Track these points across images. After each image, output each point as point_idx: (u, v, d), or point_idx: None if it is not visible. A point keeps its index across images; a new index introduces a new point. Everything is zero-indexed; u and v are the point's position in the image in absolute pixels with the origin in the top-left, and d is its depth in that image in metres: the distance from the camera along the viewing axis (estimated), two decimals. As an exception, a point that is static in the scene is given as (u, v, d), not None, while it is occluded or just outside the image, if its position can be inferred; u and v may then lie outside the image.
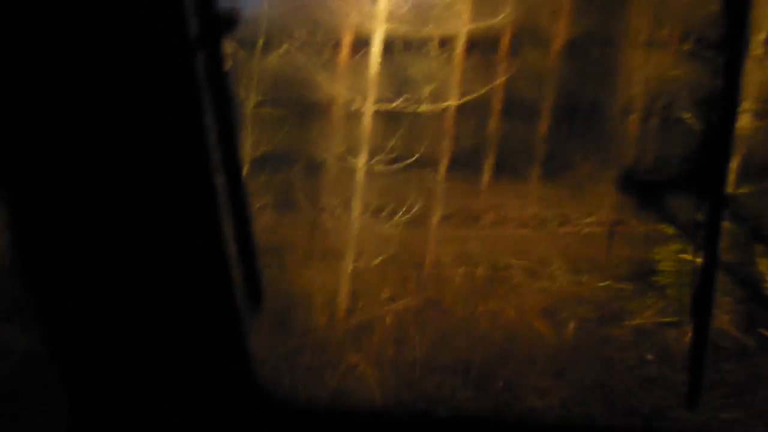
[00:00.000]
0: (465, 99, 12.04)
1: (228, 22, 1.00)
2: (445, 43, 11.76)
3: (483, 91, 12.09)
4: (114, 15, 0.97)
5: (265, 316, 9.98)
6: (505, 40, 14.08)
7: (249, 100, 11.99)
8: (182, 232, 1.15)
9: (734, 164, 11.32)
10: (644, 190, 0.97)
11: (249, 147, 11.83)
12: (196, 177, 1.13)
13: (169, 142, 1.08)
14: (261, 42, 11.87)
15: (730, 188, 11.01)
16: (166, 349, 1.18)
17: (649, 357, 10.80)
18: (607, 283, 12.83)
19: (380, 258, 11.02)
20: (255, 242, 1.13)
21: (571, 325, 11.64)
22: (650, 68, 14.58)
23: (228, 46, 12.32)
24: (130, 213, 1.07)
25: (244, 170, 11.84)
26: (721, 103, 0.89)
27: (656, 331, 11.49)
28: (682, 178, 0.88)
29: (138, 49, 1.00)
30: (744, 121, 11.25)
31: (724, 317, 10.53)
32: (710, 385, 9.73)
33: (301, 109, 12.18)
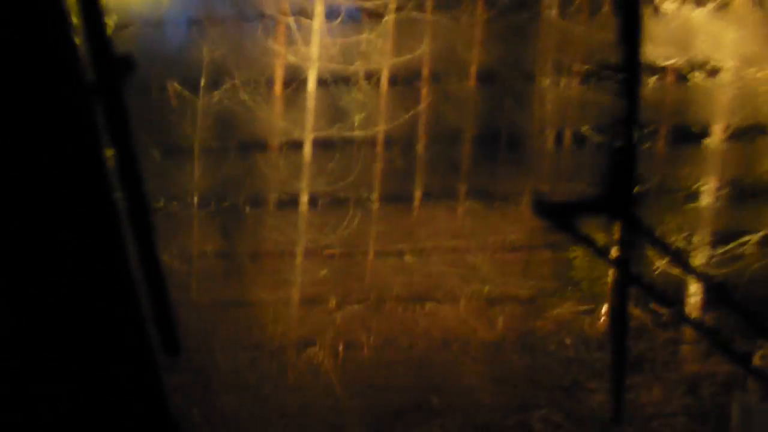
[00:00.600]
0: (392, 125, 13.39)
1: (124, 68, 0.98)
2: (372, 76, 13.09)
3: (407, 116, 13.46)
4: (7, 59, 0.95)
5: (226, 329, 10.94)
6: (426, 71, 15.55)
7: (194, 135, 12.92)
8: (87, 283, 1.07)
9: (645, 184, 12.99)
10: (556, 213, 0.96)
11: (196, 180, 12.79)
12: (98, 222, 1.06)
13: (69, 192, 1.03)
14: (203, 82, 12.87)
15: (638, 207, 12.56)
16: (73, 411, 1.06)
17: (568, 341, 12.25)
18: (531, 282, 14.25)
19: (325, 271, 12.14)
20: (167, 284, 1.07)
21: (500, 320, 13.03)
22: (561, 92, 16.20)
23: (172, 87, 13.36)
24: (31, 265, 1.01)
25: (194, 200, 12.81)
26: (623, 125, 0.91)
27: (573, 319, 12.98)
28: (592, 200, 0.92)
29: (32, 95, 0.97)
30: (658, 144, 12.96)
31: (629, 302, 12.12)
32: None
33: (244, 141, 13.24)
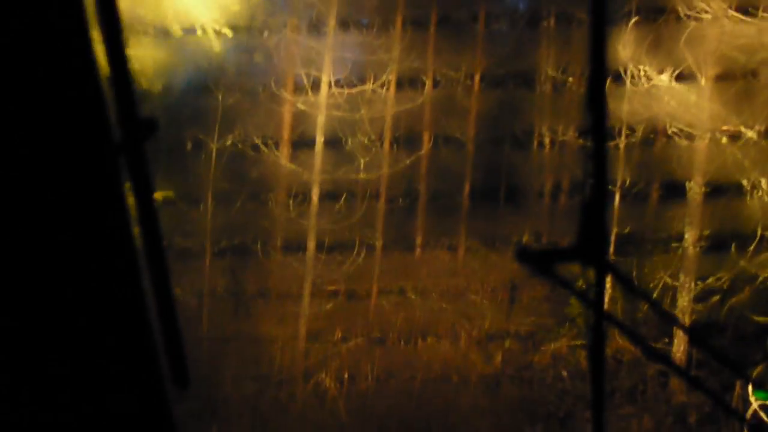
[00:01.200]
0: (395, 168, 14.14)
1: (147, 129, 1.04)
2: (376, 122, 13.90)
3: (409, 161, 14.23)
4: (40, 124, 1.02)
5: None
6: (428, 116, 16.36)
7: (208, 180, 13.69)
8: (104, 315, 1.12)
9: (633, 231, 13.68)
10: (537, 260, 0.98)
11: (209, 224, 13.51)
12: (118, 260, 1.12)
13: (96, 247, 1.10)
14: (217, 129, 13.70)
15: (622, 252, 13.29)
16: None
17: (564, 374, 12.75)
18: (529, 319, 14.77)
19: (330, 306, 12.72)
20: (178, 318, 1.11)
21: (498, 354, 13.54)
22: (558, 141, 16.98)
23: (189, 135, 14.18)
24: (55, 296, 1.07)
25: (207, 240, 13.50)
26: (594, 182, 0.94)
27: (569, 353, 13.49)
28: (569, 247, 0.93)
29: (64, 155, 1.05)
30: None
31: (621, 338, 12.68)
32: (611, 390, 11.78)
33: (257, 184, 14.00)
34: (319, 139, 12.41)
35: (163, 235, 1.15)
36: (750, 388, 8.84)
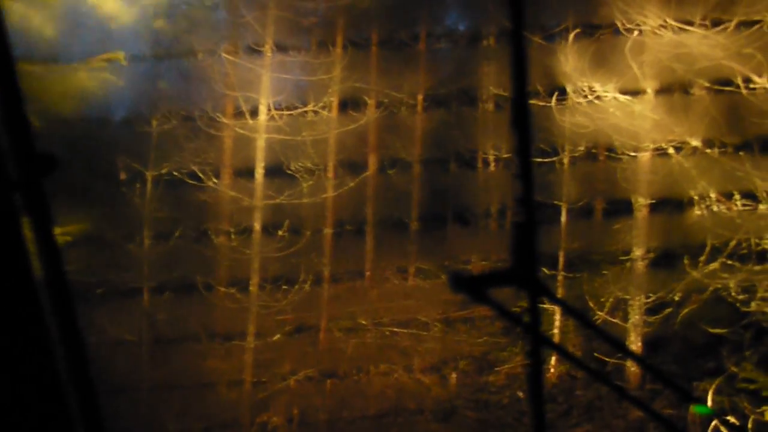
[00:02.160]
0: (340, 191, 13.81)
1: (45, 165, 1.00)
2: (318, 144, 13.57)
3: (354, 183, 13.92)
4: None
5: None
6: (372, 137, 16.14)
7: (144, 210, 13.08)
8: (5, 367, 1.06)
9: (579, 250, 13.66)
10: (472, 285, 0.98)
11: (147, 257, 12.87)
12: (19, 306, 1.08)
13: None
14: (152, 157, 13.13)
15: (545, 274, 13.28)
16: None
17: (520, 394, 12.53)
18: (482, 339, 14.58)
19: (278, 336, 12.23)
20: (91, 373, 1.04)
21: (453, 377, 13.26)
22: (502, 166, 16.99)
23: (123, 164, 13.56)
24: None
25: (144, 271, 12.85)
26: (522, 207, 0.96)
27: (524, 372, 13.30)
28: (502, 272, 0.93)
29: None
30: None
31: (577, 353, 12.56)
32: (567, 408, 11.60)
33: (196, 213, 13.45)
34: (260, 164, 11.98)
35: (68, 277, 1.06)
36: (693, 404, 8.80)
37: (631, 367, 11.37)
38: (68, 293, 1.09)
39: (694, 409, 8.60)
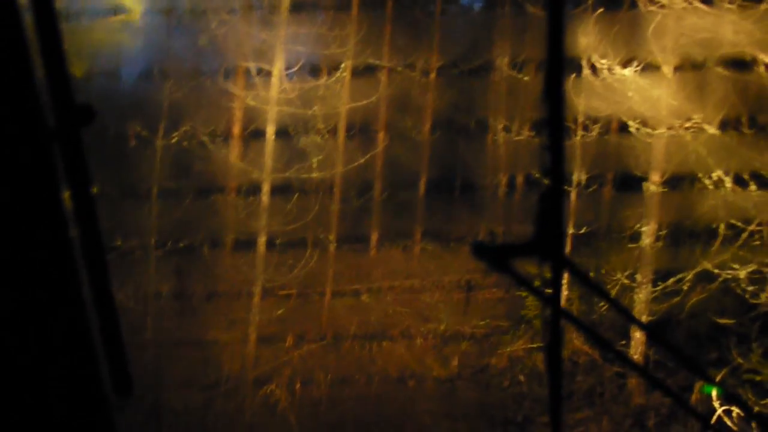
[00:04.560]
0: (349, 167, 13.73)
1: (84, 116, 1.00)
2: (329, 120, 13.47)
3: (364, 160, 13.83)
4: None
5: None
6: (382, 116, 16.03)
7: (153, 176, 13.04)
8: (40, 321, 1.08)
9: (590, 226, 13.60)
10: (494, 256, 0.96)
11: (155, 220, 12.87)
12: (53, 260, 1.09)
13: (25, 230, 1.06)
14: (163, 123, 13.06)
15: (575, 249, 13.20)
16: None
17: (521, 377, 12.54)
18: (485, 321, 14.57)
19: (282, 310, 12.24)
20: (120, 324, 1.07)
21: (455, 358, 13.28)
22: (512, 138, 16.90)
23: (132, 128, 13.51)
24: None
25: (152, 241, 12.84)
26: (550, 177, 0.95)
27: (526, 356, 13.29)
28: (526, 242, 0.93)
29: None
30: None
31: (578, 340, 12.54)
32: (568, 393, 11.60)
33: (203, 182, 13.40)
34: (270, 136, 11.89)
35: (103, 233, 1.06)
36: (704, 386, 8.76)
37: (634, 355, 11.35)
38: (101, 247, 1.08)
39: (705, 389, 8.58)
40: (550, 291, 1.02)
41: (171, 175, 13.15)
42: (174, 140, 12.89)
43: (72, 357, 1.13)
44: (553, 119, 0.92)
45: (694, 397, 9.93)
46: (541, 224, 0.95)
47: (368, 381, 11.68)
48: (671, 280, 10.46)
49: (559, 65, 0.92)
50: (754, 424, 7.78)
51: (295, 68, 12.49)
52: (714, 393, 7.96)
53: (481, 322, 14.43)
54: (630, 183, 12.14)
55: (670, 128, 9.61)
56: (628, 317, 13.00)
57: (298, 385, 11.19)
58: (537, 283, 1.05)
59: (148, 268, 12.66)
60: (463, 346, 13.64)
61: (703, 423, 9.05)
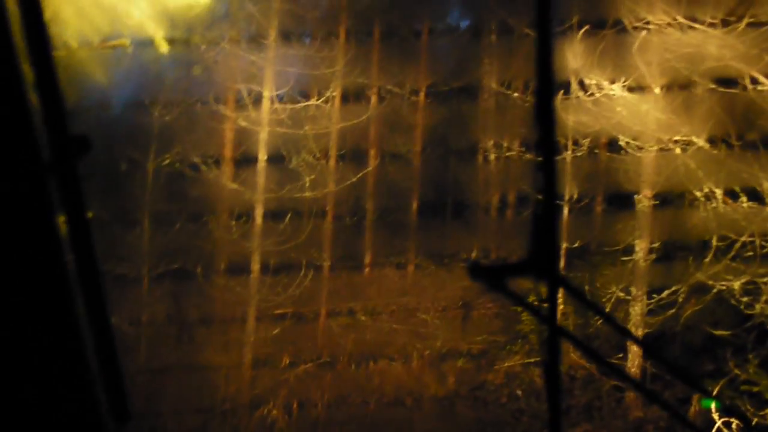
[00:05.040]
0: (341, 186, 13.75)
1: (79, 147, 1.01)
2: (320, 139, 13.50)
3: (356, 178, 13.85)
4: None
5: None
6: (373, 135, 16.08)
7: (145, 201, 13.01)
8: (37, 348, 1.07)
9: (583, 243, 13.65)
10: (490, 276, 0.99)
11: (148, 248, 12.81)
12: (49, 288, 1.08)
13: (25, 273, 1.06)
14: (154, 146, 13.06)
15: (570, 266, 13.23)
16: None
17: (519, 393, 12.49)
18: (481, 337, 14.53)
19: (277, 331, 12.19)
20: (117, 349, 1.07)
21: (452, 375, 13.22)
22: (504, 156, 16.99)
23: (123, 153, 13.48)
24: None
25: (145, 264, 12.79)
26: (543, 197, 0.95)
27: (523, 371, 13.25)
28: (520, 261, 0.93)
29: None
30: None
31: (575, 354, 12.53)
32: (566, 408, 11.56)
33: (195, 203, 13.38)
34: (262, 157, 11.91)
35: (100, 261, 1.07)
36: (699, 398, 8.75)
37: (631, 368, 11.35)
38: (99, 278, 1.09)
39: (704, 403, 8.56)
40: (546, 308, 1.02)
41: (163, 200, 13.12)
42: (166, 163, 12.89)
43: (69, 383, 1.12)
44: (545, 137, 0.93)
45: (692, 410, 9.93)
46: (535, 242, 0.96)
47: (365, 401, 11.61)
48: (665, 293, 10.48)
49: (549, 83, 0.92)
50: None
51: (286, 89, 12.54)
52: (713, 406, 7.96)
53: (478, 338, 14.38)
54: (622, 199, 12.23)
55: (659, 143, 9.70)
56: (623, 332, 13.03)
57: (294, 406, 11.10)
58: (532, 298, 1.06)
59: (141, 293, 12.60)
60: (459, 363, 13.59)
61: (702, 435, 9.03)
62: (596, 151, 12.55)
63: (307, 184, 12.73)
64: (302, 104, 12.84)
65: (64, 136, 1.02)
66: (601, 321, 11.95)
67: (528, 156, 15.66)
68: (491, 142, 17.27)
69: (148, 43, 11.04)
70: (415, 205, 17.52)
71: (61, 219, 1.08)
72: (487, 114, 17.39)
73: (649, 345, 10.54)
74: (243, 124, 12.26)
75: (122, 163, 13.61)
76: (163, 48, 10.93)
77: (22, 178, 1.05)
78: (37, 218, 1.08)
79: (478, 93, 17.29)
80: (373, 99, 15.34)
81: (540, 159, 0.94)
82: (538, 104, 0.92)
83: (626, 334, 11.64)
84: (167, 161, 12.92)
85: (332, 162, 14.05)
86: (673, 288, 10.37)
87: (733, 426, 7.65)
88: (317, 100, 12.99)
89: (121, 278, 12.24)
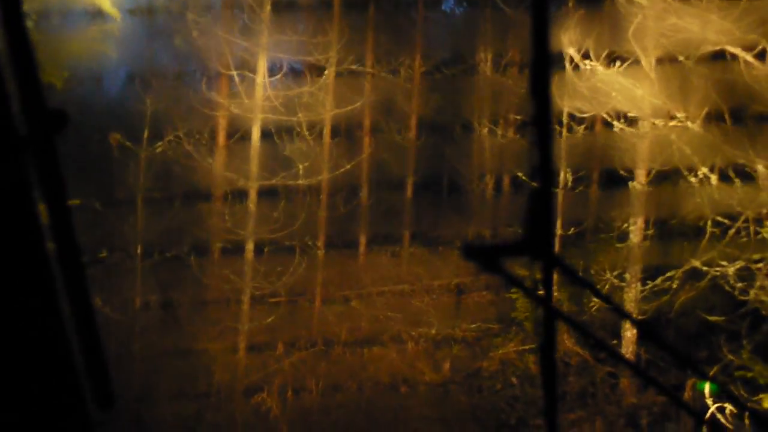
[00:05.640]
0: (335, 173, 13.68)
1: (56, 122, 0.97)
2: (314, 126, 13.41)
3: (350, 165, 13.78)
4: None
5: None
6: (367, 121, 16.00)
7: (138, 185, 12.92)
8: (16, 334, 1.06)
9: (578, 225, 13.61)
10: (484, 256, 0.94)
11: (140, 230, 12.74)
12: (30, 277, 1.06)
13: (1, 241, 1.04)
14: (146, 133, 12.94)
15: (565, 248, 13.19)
16: None
17: (514, 380, 12.51)
18: (476, 324, 14.52)
19: (272, 318, 12.15)
20: (100, 335, 1.04)
21: (447, 362, 13.23)
22: (497, 140, 16.96)
23: (114, 137, 13.37)
24: None
25: (138, 251, 12.72)
26: (539, 175, 0.93)
27: (518, 358, 13.26)
28: (516, 242, 0.92)
29: None
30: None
31: (569, 341, 12.53)
32: (561, 394, 11.59)
33: (188, 191, 13.30)
34: (255, 144, 11.82)
35: (80, 242, 1.03)
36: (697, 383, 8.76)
37: (626, 354, 11.36)
38: (79, 259, 1.06)
39: (699, 386, 8.57)
40: (541, 291, 1.00)
41: (155, 187, 13.03)
42: (158, 149, 12.79)
43: (51, 370, 1.11)
44: (540, 117, 0.91)
45: (686, 395, 9.95)
46: (531, 223, 0.93)
47: (360, 387, 11.61)
48: (660, 279, 10.47)
49: (544, 63, 0.90)
50: (747, 420, 7.80)
51: (279, 75, 12.44)
52: (707, 389, 7.98)
53: (472, 326, 14.38)
54: (616, 181, 12.15)
55: (651, 125, 9.64)
56: (619, 313, 12.97)
57: (289, 393, 11.09)
58: (528, 284, 1.04)
59: (134, 279, 12.54)
60: (454, 349, 13.60)
61: (696, 420, 9.05)
62: (591, 132, 12.46)
63: (301, 170, 12.65)
64: (296, 91, 12.72)
65: (40, 109, 0.98)
66: (595, 308, 11.97)
67: (523, 139, 15.61)
68: (486, 126, 17.24)
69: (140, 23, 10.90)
70: (409, 191, 17.46)
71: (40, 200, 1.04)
72: (482, 97, 17.33)
73: (643, 326, 10.53)
74: (236, 111, 12.16)
75: (114, 148, 13.50)
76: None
77: None
78: (13, 195, 1.05)
79: (474, 77, 17.23)
80: (368, 86, 15.23)
81: (535, 139, 0.92)
82: (532, 84, 0.90)
83: (621, 315, 11.65)
84: (159, 149, 12.83)
85: (326, 149, 13.93)
86: (668, 274, 10.35)
87: (727, 411, 7.68)
88: (311, 86, 12.87)
89: (114, 263, 12.20)
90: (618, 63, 9.65)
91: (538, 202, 0.93)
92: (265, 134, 12.37)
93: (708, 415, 7.57)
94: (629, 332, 11.45)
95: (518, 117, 16.39)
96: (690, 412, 7.82)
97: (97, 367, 1.07)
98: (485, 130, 17.44)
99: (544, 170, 0.93)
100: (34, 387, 1.09)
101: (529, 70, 0.90)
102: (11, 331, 1.07)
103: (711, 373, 9.32)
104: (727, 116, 9.04)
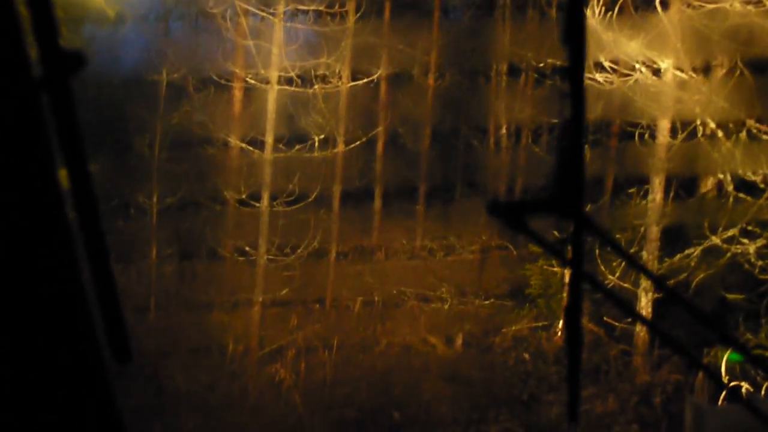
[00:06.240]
0: (352, 145, 13.61)
1: (74, 63, 0.95)
2: (330, 98, 13.31)
3: (366, 137, 13.69)
4: None
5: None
6: (383, 91, 15.85)
7: (154, 152, 12.95)
8: (34, 290, 1.05)
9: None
10: (510, 214, 0.93)
11: (155, 198, 12.80)
12: (45, 221, 1.03)
13: (15, 187, 1.02)
14: (161, 106, 12.93)
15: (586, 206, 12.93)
16: (20, 419, 1.04)
17: (526, 356, 12.50)
18: (489, 300, 14.50)
19: (286, 290, 12.19)
20: (116, 287, 1.04)
21: (460, 338, 13.24)
22: (520, 92, 16.70)
23: (131, 113, 13.37)
24: None
25: (153, 219, 12.78)
26: (569, 129, 0.91)
27: (531, 334, 13.25)
28: (545, 201, 0.90)
29: None
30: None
31: (583, 317, 12.48)
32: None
33: (203, 158, 13.31)
34: (271, 116, 11.76)
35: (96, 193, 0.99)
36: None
37: (640, 333, 11.30)
38: (96, 211, 1.02)
39: (730, 356, 8.49)
40: (569, 251, 0.96)
41: (170, 159, 13.05)
42: (174, 122, 12.78)
43: (69, 323, 1.09)
44: (573, 67, 0.86)
45: (700, 375, 9.88)
46: (560, 180, 0.89)
47: (373, 360, 11.65)
48: (677, 257, 10.34)
49: (578, 9, 0.86)
50: (762, 400, 7.73)
51: (295, 46, 12.30)
52: (728, 358, 7.88)
53: (486, 302, 14.37)
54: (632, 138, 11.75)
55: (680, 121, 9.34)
56: (642, 271, 12.66)
57: (302, 366, 11.16)
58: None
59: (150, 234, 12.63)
60: (467, 325, 13.60)
61: (712, 399, 9.01)
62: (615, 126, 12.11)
63: (317, 145, 12.59)
64: (312, 62, 12.61)
65: (56, 50, 0.95)
66: (610, 284, 11.84)
67: (537, 146, 15.22)
68: (505, 78, 16.90)
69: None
70: (424, 168, 17.34)
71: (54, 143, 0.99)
72: (501, 40, 16.89)
73: (661, 282, 10.30)
74: (252, 82, 12.07)
75: (129, 122, 13.51)
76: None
77: (13, 95, 0.99)
78: (30, 139, 1.01)
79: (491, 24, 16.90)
80: (384, 59, 15.06)
81: (567, 88, 0.87)
82: (567, 24, 0.85)
83: (644, 273, 11.42)
84: (175, 120, 12.82)
85: (342, 121, 13.83)
86: (687, 252, 10.21)
87: (743, 390, 7.61)
88: (328, 59, 12.74)
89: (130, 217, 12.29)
90: (648, 55, 9.28)
91: (568, 158, 0.89)
92: (281, 106, 12.30)
93: (724, 394, 7.51)
94: (645, 311, 11.35)
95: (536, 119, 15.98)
96: (704, 390, 7.77)
97: (114, 321, 1.06)
98: (505, 82, 17.03)
99: (575, 123, 0.88)
100: (52, 341, 1.08)
101: (563, 17, 0.85)
102: (28, 286, 1.05)
103: (727, 352, 9.23)
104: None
